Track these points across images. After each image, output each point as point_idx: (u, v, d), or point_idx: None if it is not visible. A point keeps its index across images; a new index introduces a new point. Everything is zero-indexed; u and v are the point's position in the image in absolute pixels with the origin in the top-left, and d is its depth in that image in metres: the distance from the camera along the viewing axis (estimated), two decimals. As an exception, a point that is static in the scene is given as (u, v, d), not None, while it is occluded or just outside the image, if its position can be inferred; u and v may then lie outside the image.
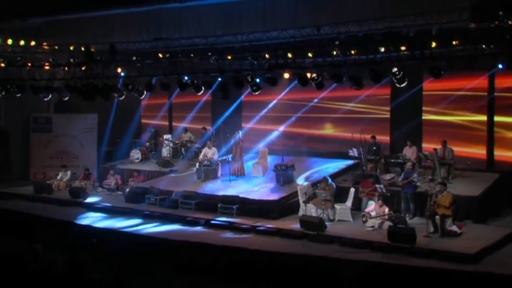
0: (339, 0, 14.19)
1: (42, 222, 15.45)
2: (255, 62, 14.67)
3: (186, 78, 16.28)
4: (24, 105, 21.36)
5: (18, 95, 17.42)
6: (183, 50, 15.96)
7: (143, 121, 24.33)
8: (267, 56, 14.65)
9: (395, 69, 12.90)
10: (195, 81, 15.19)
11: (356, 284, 10.68)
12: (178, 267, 11.71)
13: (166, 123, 24.03)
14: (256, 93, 15.35)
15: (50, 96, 17.38)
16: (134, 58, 16.14)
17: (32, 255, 11.00)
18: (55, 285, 9.27)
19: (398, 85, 13.24)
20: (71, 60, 16.82)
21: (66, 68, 17.31)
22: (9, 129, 22.40)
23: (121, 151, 22.62)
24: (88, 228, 14.84)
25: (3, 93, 17.50)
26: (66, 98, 17.34)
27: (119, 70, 17.27)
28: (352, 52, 13.83)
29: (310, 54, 14.20)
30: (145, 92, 16.54)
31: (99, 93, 15.84)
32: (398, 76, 12.89)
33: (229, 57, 15.44)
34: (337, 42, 13.25)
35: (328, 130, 20.12)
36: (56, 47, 19.08)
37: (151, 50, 17.47)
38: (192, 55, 16.37)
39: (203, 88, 15.29)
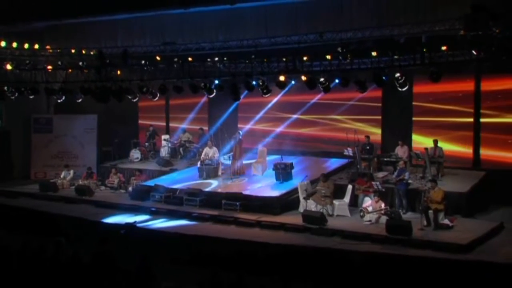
0: (338, 10, 15.08)
1: (54, 218, 16.11)
2: (259, 67, 15.47)
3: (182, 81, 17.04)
4: (25, 106, 21.86)
5: (31, 97, 17.93)
6: (190, 54, 16.65)
7: (141, 121, 25.02)
8: (273, 60, 15.49)
9: (397, 74, 13.89)
10: (207, 84, 15.97)
11: (361, 272, 11.63)
12: (193, 258, 12.50)
13: (164, 123, 24.76)
14: (266, 95, 16.23)
15: (63, 98, 17.97)
16: (143, 62, 16.84)
17: (56, 247, 11.71)
18: (85, 275, 9.97)
19: (400, 89, 14.23)
20: (80, 63, 17.41)
21: (67, 71, 18.01)
22: (11, 129, 22.94)
23: (120, 151, 23.38)
24: (100, 223, 15.54)
25: (16, 94, 18.07)
26: (80, 100, 18.01)
27: (118, 72, 17.95)
28: (349, 56, 14.79)
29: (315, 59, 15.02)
30: (158, 95, 17.31)
31: (113, 95, 16.52)
32: (400, 81, 13.89)
33: (229, 61, 16.22)
34: (339, 49, 14.16)
35: (323, 130, 21.05)
36: (59, 50, 19.71)
37: (152, 54, 18.19)
38: (190, 59, 17.16)
39: (214, 91, 16.08)
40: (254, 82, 16.19)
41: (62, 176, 20.77)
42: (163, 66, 17.04)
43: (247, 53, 16.06)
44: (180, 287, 9.40)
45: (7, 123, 22.98)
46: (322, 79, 14.60)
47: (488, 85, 17.89)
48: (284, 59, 14.89)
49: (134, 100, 18.16)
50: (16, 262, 10.74)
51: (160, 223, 15.62)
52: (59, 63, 17.95)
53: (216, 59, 15.94)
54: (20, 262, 10.75)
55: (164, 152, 22.57)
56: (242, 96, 20.63)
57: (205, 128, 22.92)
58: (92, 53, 19.33)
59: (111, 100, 16.98)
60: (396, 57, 13.78)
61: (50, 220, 16.06)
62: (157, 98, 17.86)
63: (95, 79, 16.57)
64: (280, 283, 9.26)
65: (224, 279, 9.56)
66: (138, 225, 15.18)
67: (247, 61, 15.55)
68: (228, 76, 15.81)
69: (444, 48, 13.97)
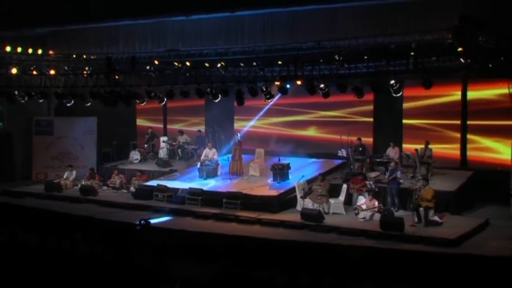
0: (333, 20, 15.92)
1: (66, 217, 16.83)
2: (261, 72, 16.33)
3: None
4: (26, 109, 22.41)
5: (40, 100, 18.58)
6: (193, 60, 17.42)
7: (139, 124, 25.74)
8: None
9: (392, 81, 14.83)
10: (213, 90, 16.78)
11: (358, 265, 12.49)
12: (201, 253, 13.27)
13: (161, 126, 25.48)
14: (268, 100, 17.11)
15: (72, 102, 18.64)
16: (148, 67, 17.58)
17: (73, 243, 12.42)
18: (103, 268, 10.67)
19: (394, 95, 15.20)
20: (86, 68, 18.11)
21: (75, 75, 18.67)
22: (13, 131, 23.51)
23: (119, 152, 24.07)
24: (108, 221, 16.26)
25: (26, 98, 18.72)
26: (89, 104, 18.71)
27: (117, 77, 18.55)
28: (345, 64, 15.67)
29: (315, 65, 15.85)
30: (165, 99, 18.09)
31: (122, 99, 17.24)
32: (395, 87, 14.84)
33: (232, 67, 17.02)
34: (336, 56, 15.03)
35: (318, 133, 21.94)
36: (60, 55, 20.31)
37: (156, 60, 18.90)
38: (188, 63, 17.94)
39: (219, 96, 16.89)
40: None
41: (65, 176, 21.38)
42: (170, 72, 17.75)
43: (248, 59, 16.84)
44: (194, 278, 10.06)
45: (9, 125, 23.50)
46: (322, 85, 15.47)
47: (474, 90, 18.84)
48: (285, 66, 15.71)
49: (142, 104, 18.92)
50: (35, 258, 11.40)
51: (165, 221, 16.34)
52: (66, 68, 18.57)
53: (219, 65, 16.70)
54: (38, 258, 11.42)
55: (162, 153, 23.24)
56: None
57: (203, 130, 23.68)
58: (92, 57, 20.04)
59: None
60: (391, 62, 14.63)
61: (61, 218, 16.74)
62: (164, 102, 18.62)
63: (104, 84, 17.25)
64: (287, 275, 9.97)
65: (234, 271, 10.30)
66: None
67: (250, 67, 16.32)
68: (233, 82, 16.61)
69: (433, 54, 14.89)
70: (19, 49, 19.81)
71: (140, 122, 25.72)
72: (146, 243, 12.31)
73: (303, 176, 17.76)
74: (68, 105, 18.93)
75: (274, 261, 12.70)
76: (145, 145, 23.89)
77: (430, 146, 18.12)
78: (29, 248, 11.79)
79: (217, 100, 17.28)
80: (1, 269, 10.30)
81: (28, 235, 13.02)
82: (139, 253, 10.99)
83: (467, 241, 13.78)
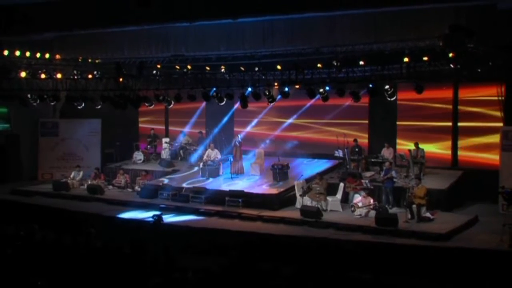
0: (330, 27, 16.76)
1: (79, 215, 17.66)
2: (263, 77, 17.19)
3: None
4: (32, 111, 23.08)
5: (52, 103, 19.32)
6: (198, 65, 18.23)
7: (141, 125, 26.50)
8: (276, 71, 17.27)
9: (387, 86, 15.72)
10: (218, 94, 17.64)
11: (355, 258, 13.36)
12: (208, 248, 14.10)
13: (163, 127, 26.27)
14: (271, 104, 17.98)
15: (83, 105, 19.42)
16: (154, 72, 18.39)
17: (87, 237, 13.15)
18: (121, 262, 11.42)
19: (389, 99, 16.08)
20: (95, 72, 18.90)
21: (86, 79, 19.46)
22: (20, 133, 24.31)
23: (122, 153, 24.82)
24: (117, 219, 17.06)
25: (38, 101, 19.49)
26: (99, 107, 19.50)
27: (121, 79, 19.30)
28: (342, 69, 16.53)
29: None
30: (172, 102, 18.93)
31: (131, 103, 18.06)
32: (390, 92, 15.74)
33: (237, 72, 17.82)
34: (334, 62, 15.90)
35: (316, 134, 22.79)
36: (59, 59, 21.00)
37: (163, 65, 19.69)
38: (189, 66, 18.74)
39: (225, 99, 17.75)
40: (249, 89, 17.95)
41: (71, 176, 22.16)
42: (176, 76, 18.55)
43: (249, 64, 17.68)
44: (204, 269, 10.80)
45: (16, 127, 24.27)
46: (321, 90, 16.34)
47: (464, 93, 19.71)
48: (286, 70, 16.56)
49: (151, 107, 19.73)
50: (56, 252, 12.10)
51: (170, 218, 17.08)
52: (75, 71, 19.34)
53: (222, 70, 17.54)
54: (59, 252, 12.14)
55: (165, 154, 24.02)
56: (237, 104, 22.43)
57: (204, 131, 24.47)
58: (97, 61, 20.77)
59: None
60: (386, 66, 15.49)
61: (73, 215, 17.54)
62: (171, 105, 19.45)
63: (113, 88, 18.04)
64: (293, 267, 10.74)
65: (242, 263, 11.09)
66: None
67: (252, 72, 17.17)
68: (237, 86, 17.48)
69: (426, 58, 15.75)
70: (27, 54, 20.49)
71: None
72: (158, 237, 13.11)
73: (301, 175, 18.58)
74: (79, 107, 19.61)
75: (277, 254, 13.56)
76: (148, 146, 24.66)
77: (422, 146, 18.98)
78: (48, 244, 12.54)
79: (222, 103, 18.10)
80: (25, 263, 11.01)
81: (45, 232, 13.72)
82: (151, 246, 11.73)
83: (457, 236, 14.66)
